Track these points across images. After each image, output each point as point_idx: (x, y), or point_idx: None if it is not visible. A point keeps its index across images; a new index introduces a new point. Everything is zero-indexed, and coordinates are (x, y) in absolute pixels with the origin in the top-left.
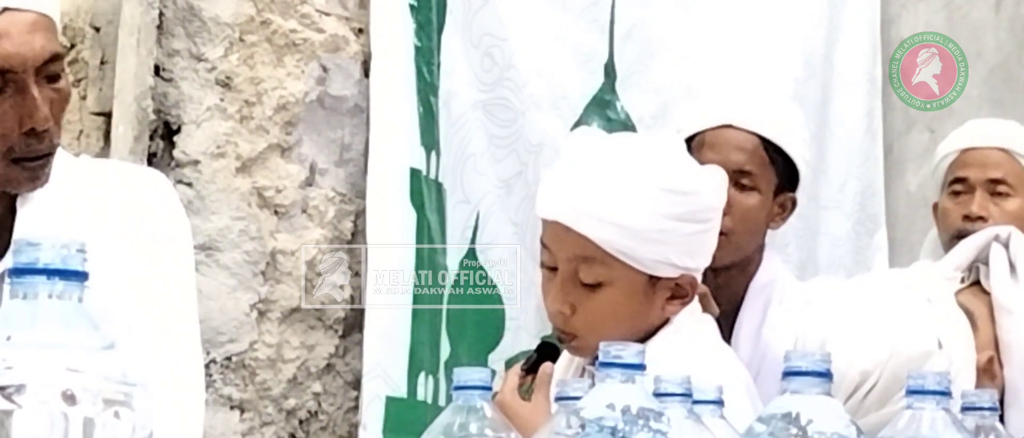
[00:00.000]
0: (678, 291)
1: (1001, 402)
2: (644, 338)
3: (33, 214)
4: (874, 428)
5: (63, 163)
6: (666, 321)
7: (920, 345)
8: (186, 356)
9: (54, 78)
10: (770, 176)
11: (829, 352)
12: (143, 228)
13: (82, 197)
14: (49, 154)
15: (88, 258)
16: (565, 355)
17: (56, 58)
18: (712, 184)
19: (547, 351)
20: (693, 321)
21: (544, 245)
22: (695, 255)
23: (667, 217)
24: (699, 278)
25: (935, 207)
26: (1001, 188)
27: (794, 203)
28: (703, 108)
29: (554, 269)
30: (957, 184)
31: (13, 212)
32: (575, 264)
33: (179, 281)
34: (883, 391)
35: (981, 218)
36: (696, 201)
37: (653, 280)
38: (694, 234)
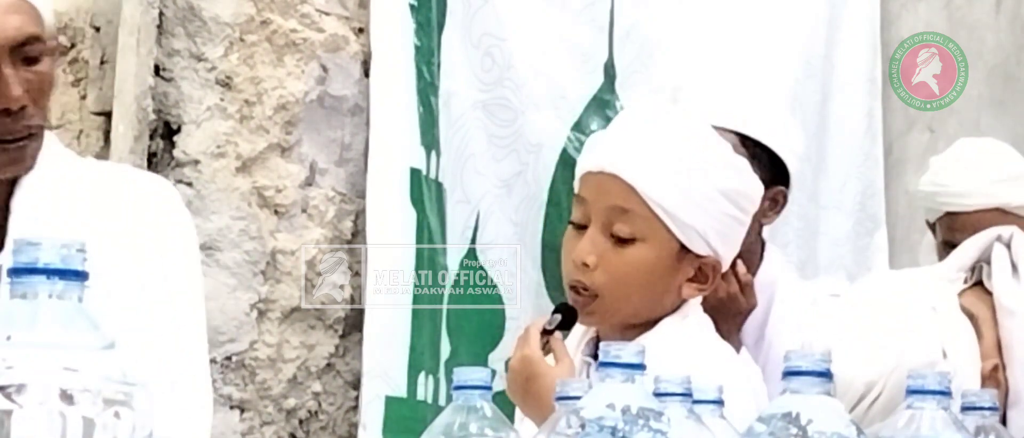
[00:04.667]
0: (699, 275)
1: (1004, 402)
2: (653, 322)
3: (29, 204)
4: None
5: (64, 159)
6: (676, 308)
7: (925, 355)
8: (193, 360)
9: (32, 60)
10: (754, 171)
11: (829, 351)
12: (146, 232)
13: (83, 195)
14: (28, 136)
15: (87, 257)
16: (570, 341)
17: (33, 40)
18: (756, 181)
19: (567, 313)
20: (699, 313)
21: (580, 199)
22: (725, 240)
23: (716, 188)
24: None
25: None
26: None
27: (785, 197)
28: (681, 110)
29: (583, 228)
30: None
31: (9, 204)
32: (613, 216)
33: (185, 285)
34: (888, 401)
35: None
36: (743, 184)
37: (682, 252)
38: (731, 217)
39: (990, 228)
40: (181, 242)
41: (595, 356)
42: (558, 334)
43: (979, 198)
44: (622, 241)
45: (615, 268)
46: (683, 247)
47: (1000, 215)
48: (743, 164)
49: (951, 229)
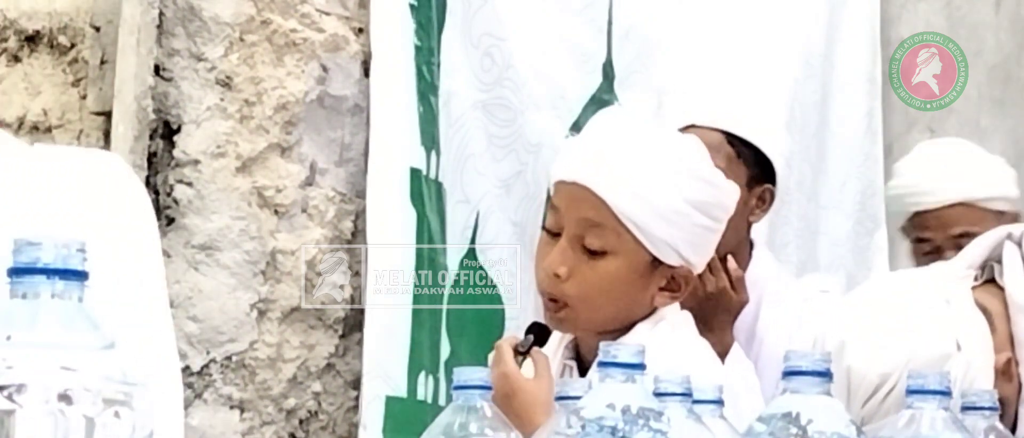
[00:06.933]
0: (672, 283)
1: (1017, 398)
2: (627, 327)
3: None
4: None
5: (9, 149)
6: (650, 313)
7: (938, 347)
8: (160, 349)
9: None
10: (739, 170)
11: (829, 352)
12: (98, 215)
13: (30, 183)
14: None
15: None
16: (549, 346)
17: None
18: (731, 189)
19: (539, 333)
20: (675, 313)
21: (553, 207)
22: (697, 250)
23: (687, 201)
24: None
25: None
26: None
27: (772, 194)
28: (667, 112)
29: (556, 235)
30: None
31: None
32: (583, 228)
33: (143, 269)
34: (902, 394)
35: None
36: (715, 195)
37: (654, 264)
38: (703, 228)
39: (1000, 227)
40: (132, 223)
41: (576, 358)
42: (542, 350)
43: (943, 194)
44: (593, 253)
45: (586, 280)
46: (655, 258)
47: (966, 209)
48: (715, 175)
49: (922, 227)
